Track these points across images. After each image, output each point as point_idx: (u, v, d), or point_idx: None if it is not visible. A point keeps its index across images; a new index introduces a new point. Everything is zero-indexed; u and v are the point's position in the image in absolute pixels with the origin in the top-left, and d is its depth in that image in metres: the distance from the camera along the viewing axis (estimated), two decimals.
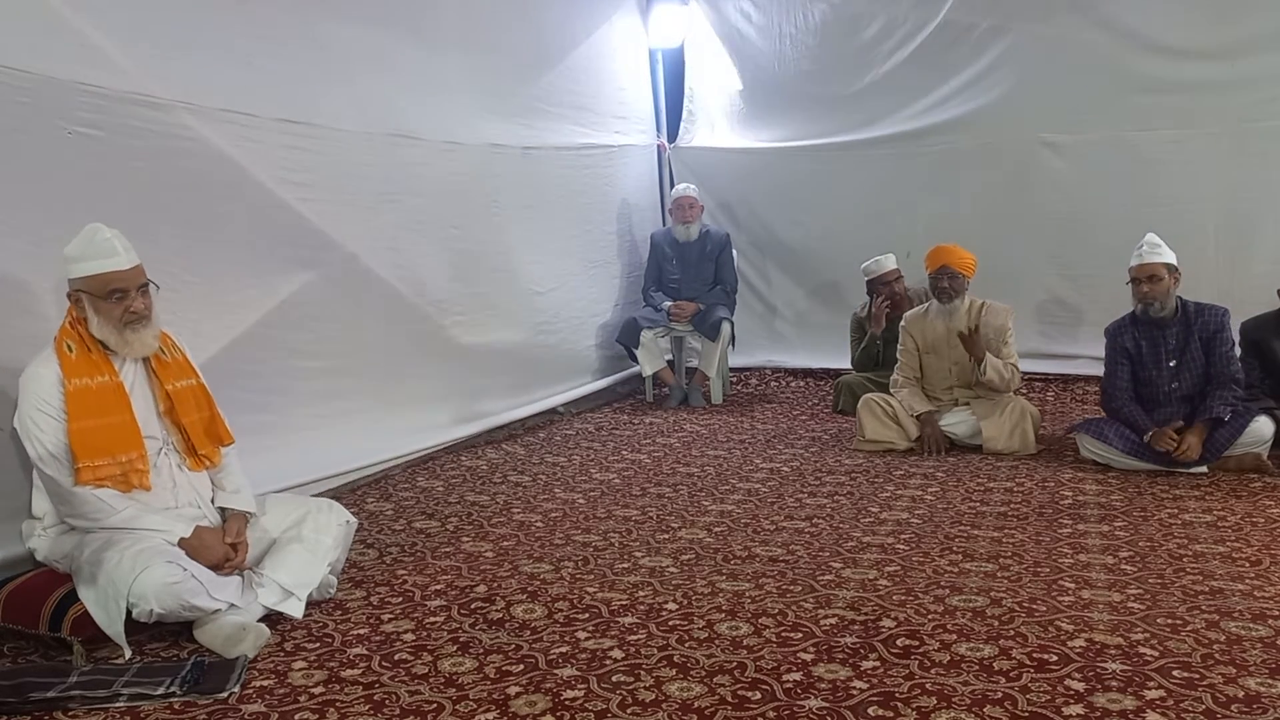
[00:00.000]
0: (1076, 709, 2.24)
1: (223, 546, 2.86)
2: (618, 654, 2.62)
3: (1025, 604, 2.87)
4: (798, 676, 2.45)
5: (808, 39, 6.94)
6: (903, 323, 5.26)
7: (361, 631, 2.83)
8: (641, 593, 3.07)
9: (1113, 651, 2.52)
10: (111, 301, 2.81)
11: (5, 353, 3.05)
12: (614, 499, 4.23)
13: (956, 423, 4.98)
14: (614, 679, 2.47)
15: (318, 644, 2.75)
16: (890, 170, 6.64)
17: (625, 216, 7.04)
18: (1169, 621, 2.70)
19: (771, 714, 2.27)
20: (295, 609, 2.87)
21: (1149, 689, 2.32)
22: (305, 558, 2.98)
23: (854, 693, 2.35)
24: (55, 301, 3.17)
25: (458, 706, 2.36)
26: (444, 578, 3.27)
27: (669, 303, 6.50)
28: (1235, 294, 4.55)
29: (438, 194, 5.13)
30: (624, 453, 5.15)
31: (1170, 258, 4.36)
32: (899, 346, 5.25)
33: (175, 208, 3.68)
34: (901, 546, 3.44)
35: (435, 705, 2.37)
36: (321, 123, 4.37)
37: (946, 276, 5.02)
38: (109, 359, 2.87)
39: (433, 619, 2.90)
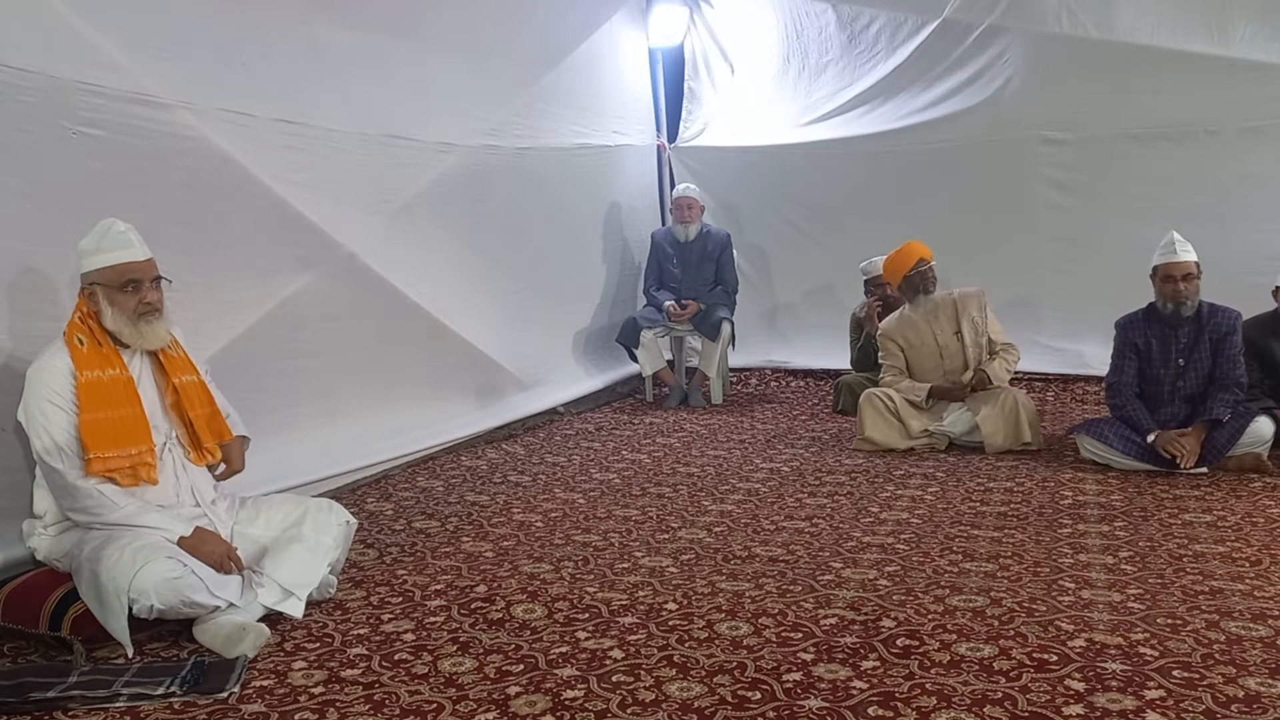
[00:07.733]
0: (1076, 709, 2.23)
1: (222, 547, 2.86)
2: (618, 654, 2.62)
3: (1025, 604, 2.87)
4: (798, 676, 2.45)
5: (808, 38, 6.94)
6: (880, 332, 5.27)
7: (361, 631, 2.83)
8: (641, 593, 3.07)
9: (1113, 651, 2.52)
10: (126, 293, 2.87)
11: (8, 350, 3.06)
12: (614, 499, 4.23)
13: (954, 421, 4.98)
14: (614, 679, 2.47)
15: (318, 644, 2.75)
16: (890, 170, 6.64)
17: (625, 216, 7.05)
18: (1169, 621, 2.70)
19: (771, 714, 2.27)
20: (295, 609, 2.88)
21: (1149, 689, 2.32)
22: (305, 557, 2.98)
23: (854, 693, 2.35)
24: (54, 299, 3.18)
25: (458, 706, 2.36)
26: (444, 578, 3.27)
27: (669, 302, 6.49)
28: (1233, 294, 4.54)
29: (434, 195, 5.12)
30: (624, 453, 5.15)
31: (1195, 255, 4.36)
32: (880, 355, 5.26)
33: (175, 207, 3.69)
34: (901, 546, 3.44)
35: (435, 705, 2.37)
36: (318, 123, 4.37)
37: (927, 266, 5.07)
38: (118, 353, 2.90)
39: (433, 619, 2.90)
